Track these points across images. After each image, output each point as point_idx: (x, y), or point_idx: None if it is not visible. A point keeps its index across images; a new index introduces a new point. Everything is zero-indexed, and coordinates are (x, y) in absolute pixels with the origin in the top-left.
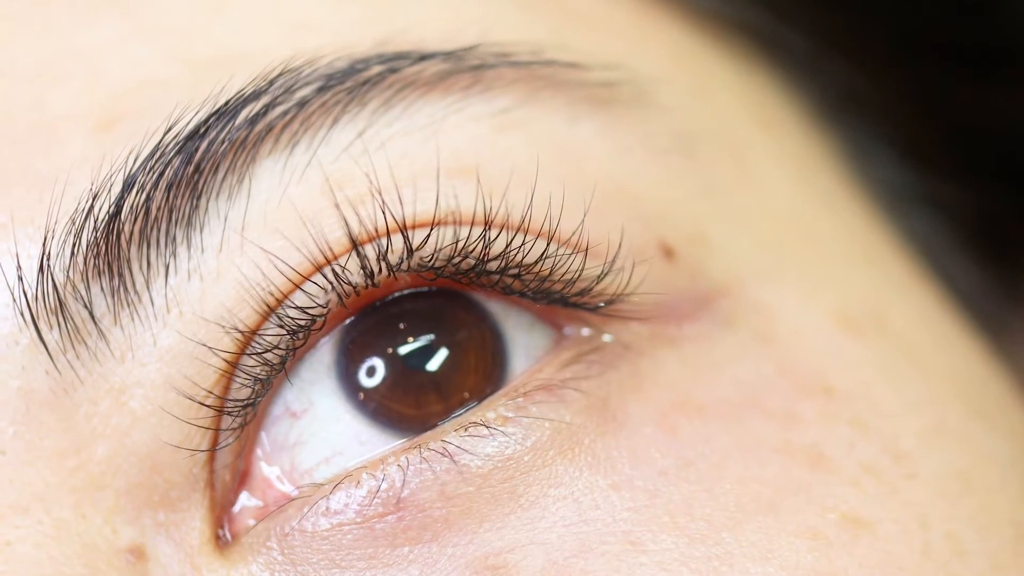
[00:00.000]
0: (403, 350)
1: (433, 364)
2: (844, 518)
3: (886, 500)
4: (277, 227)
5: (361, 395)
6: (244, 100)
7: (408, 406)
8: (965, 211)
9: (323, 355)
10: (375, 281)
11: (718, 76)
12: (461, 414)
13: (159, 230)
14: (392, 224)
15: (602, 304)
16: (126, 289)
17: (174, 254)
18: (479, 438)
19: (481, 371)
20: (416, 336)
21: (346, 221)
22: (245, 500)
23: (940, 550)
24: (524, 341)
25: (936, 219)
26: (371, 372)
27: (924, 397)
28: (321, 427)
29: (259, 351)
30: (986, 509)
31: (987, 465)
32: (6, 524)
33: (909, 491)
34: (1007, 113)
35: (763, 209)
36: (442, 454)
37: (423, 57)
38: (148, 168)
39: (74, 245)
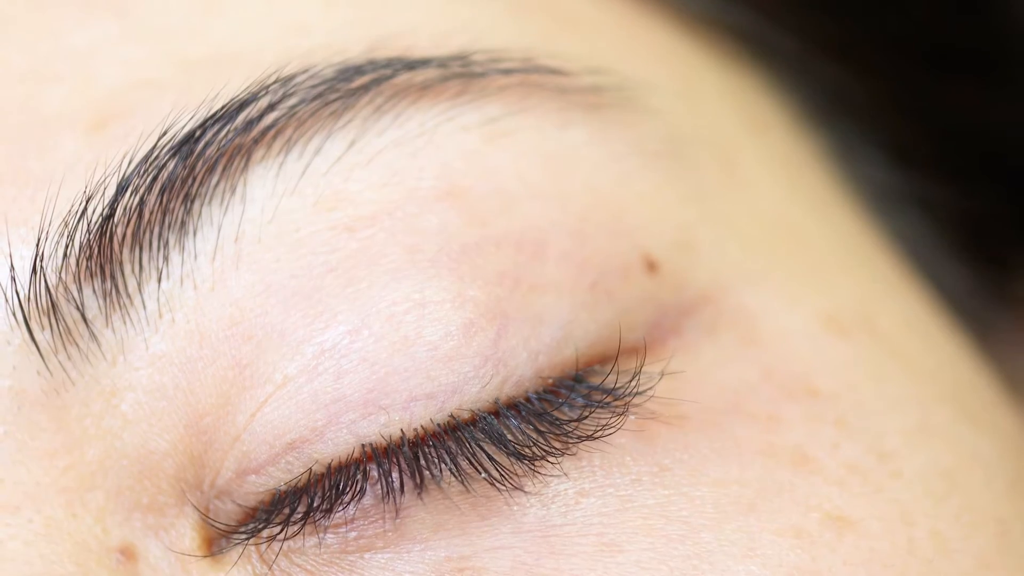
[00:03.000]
0: None
1: None
2: (828, 517)
3: (871, 499)
4: (270, 246)
5: None
6: (239, 105)
7: None
8: (952, 213)
9: None
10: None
11: (707, 79)
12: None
13: (152, 233)
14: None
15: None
16: (118, 292)
17: (166, 258)
18: (439, 457)
19: None
20: None
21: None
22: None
23: (925, 548)
24: None
25: (924, 220)
26: None
27: (910, 397)
28: None
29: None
30: (971, 507)
31: (972, 464)
32: None
33: (894, 490)
34: (995, 115)
35: (751, 212)
36: (403, 467)
37: (415, 64)
38: (142, 171)
39: (67, 247)
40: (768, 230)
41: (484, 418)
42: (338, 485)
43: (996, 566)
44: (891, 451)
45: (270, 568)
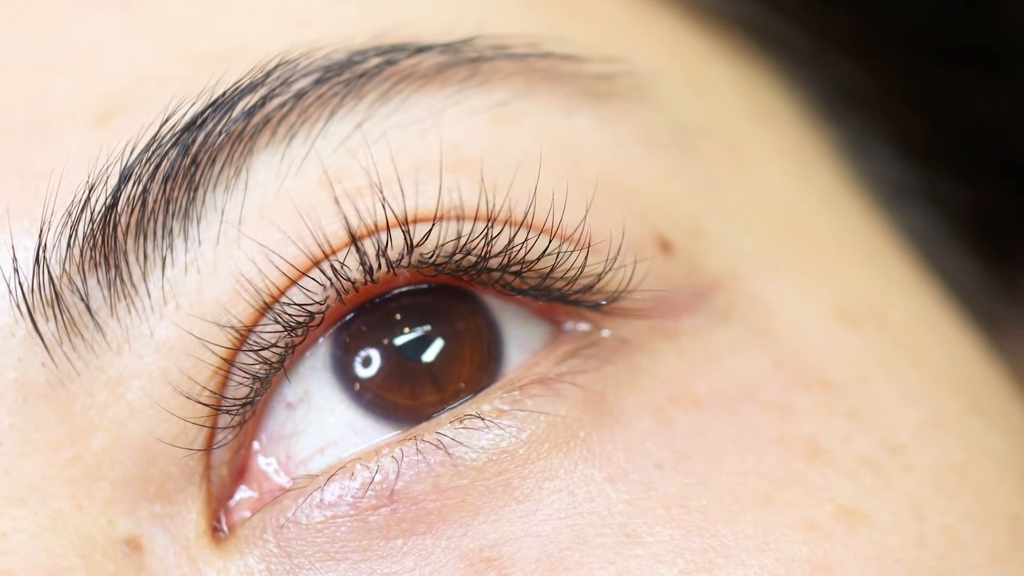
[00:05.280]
0: (399, 341)
1: (429, 355)
2: (840, 510)
3: (882, 492)
4: (274, 220)
5: (357, 385)
6: (241, 92)
7: (403, 397)
8: (963, 207)
9: (318, 346)
10: (374, 277)
11: (716, 71)
12: (456, 406)
13: (156, 222)
14: (392, 219)
15: (603, 302)
16: (122, 281)
17: (171, 246)
18: (474, 430)
19: (477, 363)
20: (412, 327)
21: (345, 215)
22: (241, 492)
23: (936, 542)
24: (521, 333)
25: (934, 215)
26: (367, 363)
27: (921, 391)
28: (316, 417)
29: (257, 348)
30: (983, 502)
31: (984, 459)
32: (2, 515)
33: (905, 483)
34: (1006, 110)
35: (760, 203)
36: (437, 446)
37: (420, 49)
38: (145, 160)
39: (70, 237)
40: (778, 222)
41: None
42: (298, 318)
43: (1007, 561)
44: (902, 445)
45: (284, 551)
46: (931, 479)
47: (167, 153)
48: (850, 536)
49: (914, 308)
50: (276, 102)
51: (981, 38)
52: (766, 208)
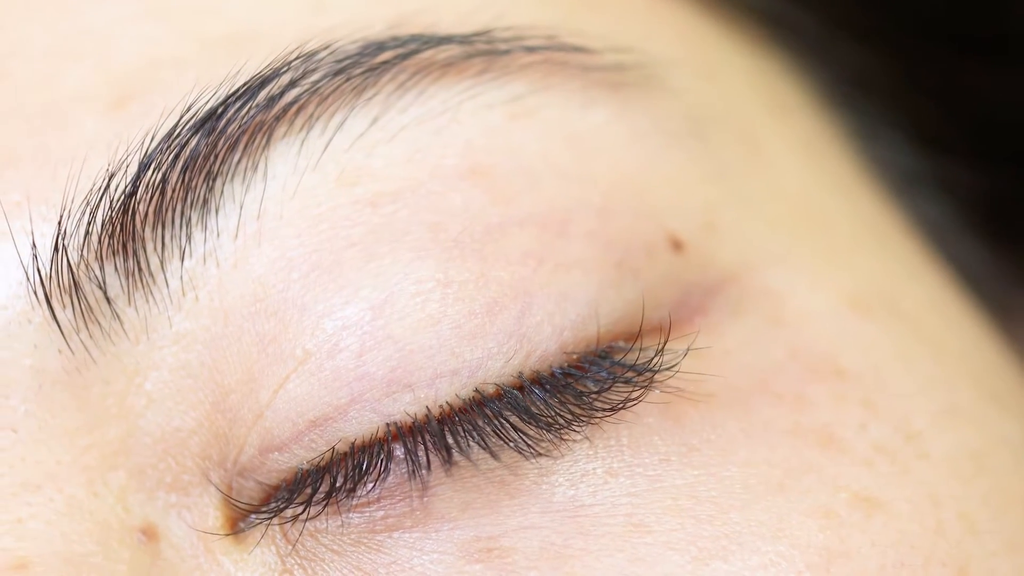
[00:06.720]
0: None
1: None
2: (856, 497)
3: (898, 480)
4: (293, 223)
5: None
6: (262, 82)
7: None
8: (975, 195)
9: None
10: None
11: (729, 59)
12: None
13: (174, 211)
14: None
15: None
16: (140, 270)
17: (189, 237)
18: (466, 431)
19: None
20: None
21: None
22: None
23: (953, 529)
24: None
25: (946, 202)
26: None
27: (935, 378)
28: None
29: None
30: (999, 489)
31: (999, 446)
32: (18, 501)
33: (921, 471)
34: (1017, 96)
35: (774, 192)
36: (428, 444)
37: (438, 41)
38: (164, 148)
39: (89, 224)
40: (791, 210)
41: (509, 392)
42: (361, 465)
43: None
44: (918, 432)
45: (294, 546)
46: (947, 466)
47: (187, 142)
48: (867, 523)
49: (927, 295)
50: (294, 92)
51: (992, 25)
52: (779, 196)
